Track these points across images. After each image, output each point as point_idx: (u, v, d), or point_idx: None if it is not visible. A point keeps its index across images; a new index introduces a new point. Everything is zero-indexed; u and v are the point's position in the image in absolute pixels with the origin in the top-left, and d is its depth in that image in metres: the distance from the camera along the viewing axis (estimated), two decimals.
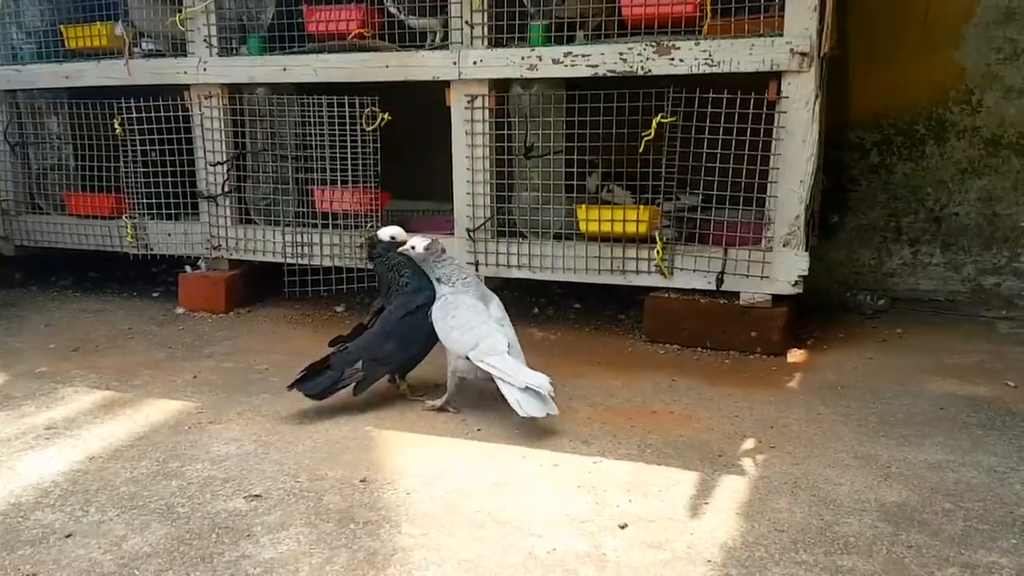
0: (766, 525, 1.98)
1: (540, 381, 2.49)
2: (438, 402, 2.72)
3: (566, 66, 3.25)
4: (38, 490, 2.21)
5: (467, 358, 2.61)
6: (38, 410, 2.76)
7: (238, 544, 1.93)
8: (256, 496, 2.15)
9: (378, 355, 2.72)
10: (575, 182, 3.34)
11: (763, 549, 1.88)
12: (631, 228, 3.28)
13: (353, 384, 2.69)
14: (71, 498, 2.16)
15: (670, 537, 1.94)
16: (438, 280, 2.75)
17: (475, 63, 3.36)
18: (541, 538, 1.94)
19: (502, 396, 2.51)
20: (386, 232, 2.90)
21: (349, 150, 3.61)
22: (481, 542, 1.93)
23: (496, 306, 2.75)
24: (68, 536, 1.98)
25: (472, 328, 2.62)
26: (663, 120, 3.09)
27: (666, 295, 3.33)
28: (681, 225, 3.32)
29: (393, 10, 3.56)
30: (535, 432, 2.52)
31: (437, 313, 2.71)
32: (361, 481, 2.22)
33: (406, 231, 3.75)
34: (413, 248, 2.73)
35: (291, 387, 2.67)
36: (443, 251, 2.77)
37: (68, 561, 1.88)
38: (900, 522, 1.99)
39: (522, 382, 2.50)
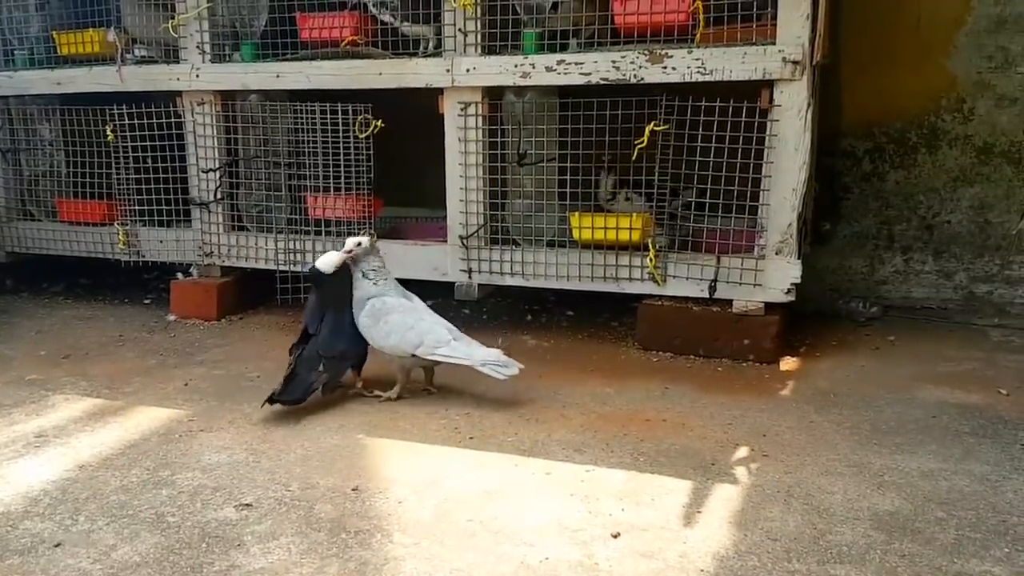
0: (759, 534, 1.97)
1: (494, 356, 2.71)
2: (392, 393, 2.84)
3: (559, 74, 3.25)
4: (27, 499, 2.20)
5: (412, 356, 2.77)
6: (28, 418, 2.75)
7: (228, 554, 1.92)
8: (247, 505, 2.14)
9: (335, 353, 2.82)
10: (568, 189, 3.34)
11: (756, 558, 1.87)
12: (624, 236, 3.28)
13: (320, 386, 2.80)
14: (60, 507, 2.15)
15: (663, 546, 1.93)
16: (363, 275, 2.84)
17: (468, 70, 3.36)
18: (533, 547, 1.93)
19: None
20: (329, 263, 2.84)
21: (342, 157, 3.60)
22: (473, 551, 1.92)
23: (419, 301, 2.90)
24: (57, 545, 1.97)
25: (411, 327, 2.76)
26: (656, 128, 3.09)
27: (659, 303, 3.32)
28: (674, 232, 3.32)
29: (387, 19, 3.56)
30: (527, 440, 2.51)
31: (366, 320, 2.79)
32: (353, 490, 2.21)
33: (399, 238, 3.80)
34: (359, 244, 2.83)
35: (272, 402, 2.71)
36: (378, 250, 2.90)
37: (57, 571, 1.87)
38: (893, 531, 1.98)
39: (479, 360, 2.70)
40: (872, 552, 1.89)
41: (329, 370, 2.80)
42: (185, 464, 2.39)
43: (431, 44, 3.53)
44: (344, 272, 2.87)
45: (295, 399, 2.74)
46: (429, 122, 3.49)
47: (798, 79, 2.99)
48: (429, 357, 2.75)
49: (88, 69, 3.99)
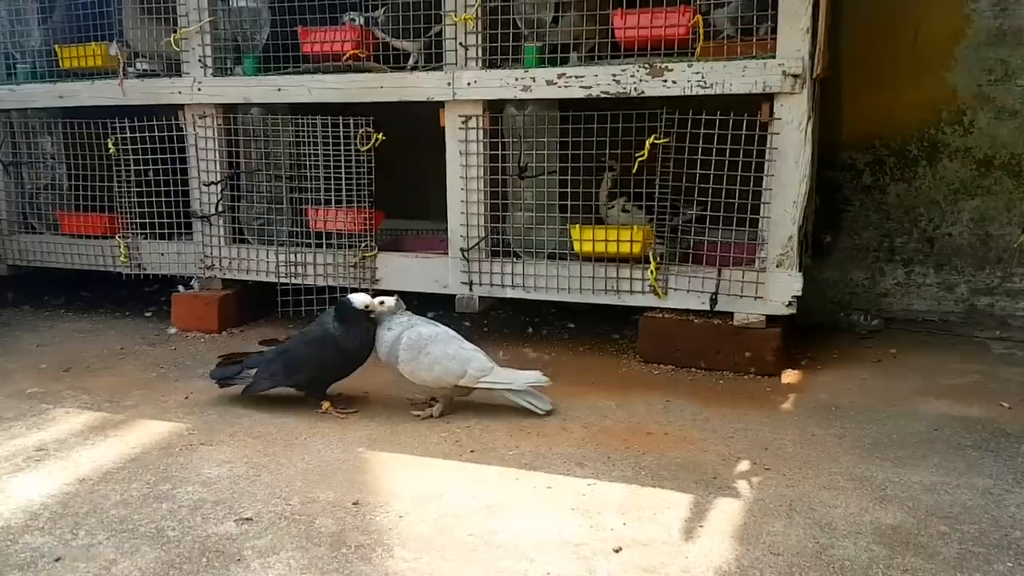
0: (761, 548, 1.96)
1: (534, 377, 2.78)
2: (436, 410, 2.82)
3: (560, 87, 3.26)
4: (27, 513, 2.19)
5: (455, 386, 2.76)
6: (28, 431, 2.74)
7: (228, 568, 1.91)
8: (247, 519, 2.13)
9: (268, 369, 2.89)
10: (569, 202, 3.34)
11: (758, 573, 1.86)
12: (625, 248, 3.28)
13: (244, 386, 2.92)
14: (60, 521, 2.14)
15: (665, 561, 1.92)
16: (388, 329, 2.80)
17: (469, 84, 3.37)
18: (535, 562, 1.92)
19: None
20: (360, 301, 2.83)
21: (343, 170, 3.61)
22: (474, 566, 1.91)
23: (446, 328, 2.87)
24: (57, 560, 1.96)
25: (453, 358, 2.74)
26: (656, 141, 3.09)
27: (660, 315, 3.32)
28: (675, 245, 3.32)
29: (379, 34, 3.59)
30: (528, 453, 2.50)
31: (407, 355, 2.75)
32: (353, 504, 2.20)
33: (400, 250, 3.80)
34: (382, 303, 2.82)
35: (212, 373, 3.00)
36: (403, 307, 2.88)
37: None
38: (896, 545, 1.98)
39: (522, 383, 2.77)
40: (875, 567, 1.89)
41: (257, 378, 2.88)
42: (185, 478, 2.38)
43: (421, 59, 3.56)
44: (356, 326, 2.82)
45: (217, 379, 2.97)
46: (430, 135, 3.50)
47: (798, 93, 3.00)
48: (475, 386, 2.75)
49: (90, 83, 4.01)
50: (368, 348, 2.84)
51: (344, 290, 3.68)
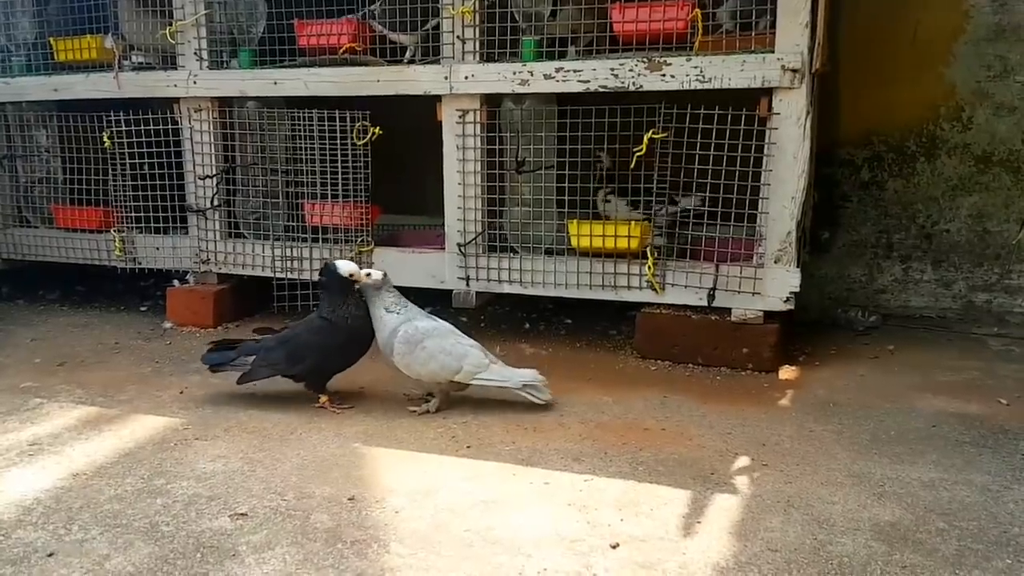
0: (759, 545, 1.96)
1: (531, 376, 2.77)
2: (432, 406, 2.80)
3: (558, 81, 3.25)
4: (20, 507, 2.17)
5: (451, 381, 2.75)
6: (22, 425, 2.73)
7: (223, 564, 1.90)
8: (242, 515, 2.12)
9: (267, 358, 2.84)
10: (567, 197, 3.33)
11: (756, 570, 1.86)
12: (622, 244, 3.27)
13: (239, 373, 2.85)
14: (54, 516, 2.13)
15: (662, 557, 1.91)
16: (386, 310, 2.78)
17: (467, 78, 3.36)
18: (531, 558, 1.91)
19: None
20: (345, 269, 2.80)
21: (340, 164, 3.59)
22: (470, 561, 1.90)
23: (444, 323, 2.85)
24: (50, 555, 1.95)
25: (449, 352, 2.73)
26: (654, 136, 3.08)
27: (657, 311, 3.31)
28: (673, 240, 3.32)
29: (376, 27, 3.57)
30: (525, 449, 2.49)
31: (403, 348, 2.73)
32: (349, 499, 2.19)
33: (397, 245, 3.79)
34: (369, 276, 2.79)
35: (203, 357, 2.94)
36: (390, 283, 2.84)
37: None
38: (894, 542, 1.97)
39: (518, 382, 2.75)
40: (873, 563, 1.88)
41: (255, 365, 2.83)
42: (180, 473, 2.36)
43: (418, 52, 3.55)
44: (345, 295, 2.80)
45: (210, 365, 2.91)
46: (427, 130, 3.48)
47: (797, 87, 2.99)
48: (470, 382, 2.74)
49: (85, 76, 3.99)
50: (366, 331, 2.81)
51: None
